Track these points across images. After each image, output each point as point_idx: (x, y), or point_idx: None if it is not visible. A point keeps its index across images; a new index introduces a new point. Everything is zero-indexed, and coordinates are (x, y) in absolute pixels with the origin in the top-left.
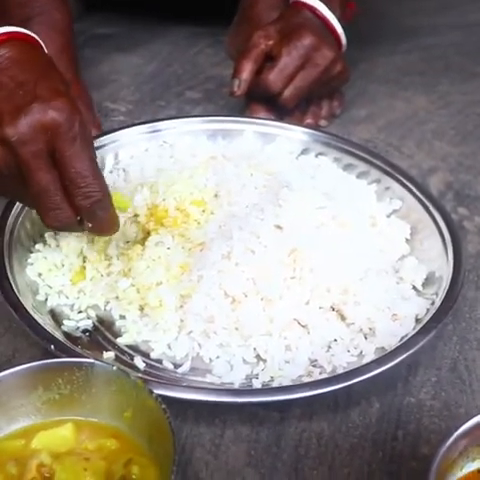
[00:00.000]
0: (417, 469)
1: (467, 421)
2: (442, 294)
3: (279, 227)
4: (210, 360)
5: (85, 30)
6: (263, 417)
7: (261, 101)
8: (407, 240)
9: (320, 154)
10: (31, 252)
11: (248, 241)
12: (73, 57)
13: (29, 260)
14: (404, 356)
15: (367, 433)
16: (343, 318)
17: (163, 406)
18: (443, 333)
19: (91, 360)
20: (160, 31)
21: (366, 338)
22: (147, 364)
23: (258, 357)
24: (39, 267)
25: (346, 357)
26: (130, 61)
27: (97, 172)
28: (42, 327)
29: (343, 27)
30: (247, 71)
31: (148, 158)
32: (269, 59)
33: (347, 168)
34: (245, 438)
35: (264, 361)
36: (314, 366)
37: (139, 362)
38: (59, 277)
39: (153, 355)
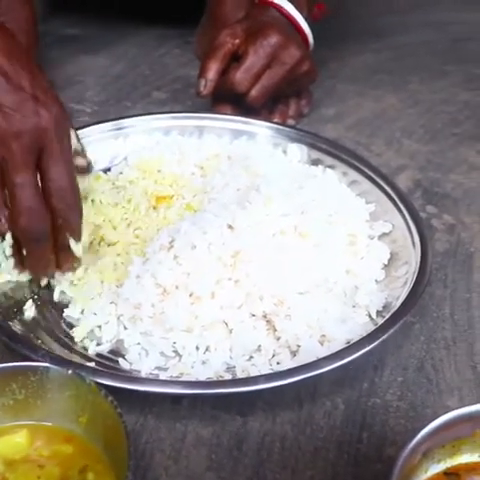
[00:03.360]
0: (382, 471)
1: (430, 422)
2: (407, 291)
3: (231, 227)
4: (129, 345)
5: (51, 31)
6: (225, 421)
7: (228, 101)
8: (384, 265)
9: (329, 167)
10: None
11: (192, 236)
12: (35, 58)
13: None
14: (368, 349)
15: (331, 435)
16: (274, 330)
17: (118, 410)
18: (410, 332)
19: (46, 364)
20: (127, 32)
21: (295, 355)
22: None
23: (176, 352)
24: None
25: (265, 370)
26: (96, 62)
27: (75, 182)
28: None
29: (311, 26)
30: (213, 71)
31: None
32: (236, 58)
33: (351, 184)
34: (206, 442)
35: (180, 356)
36: (227, 372)
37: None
38: None
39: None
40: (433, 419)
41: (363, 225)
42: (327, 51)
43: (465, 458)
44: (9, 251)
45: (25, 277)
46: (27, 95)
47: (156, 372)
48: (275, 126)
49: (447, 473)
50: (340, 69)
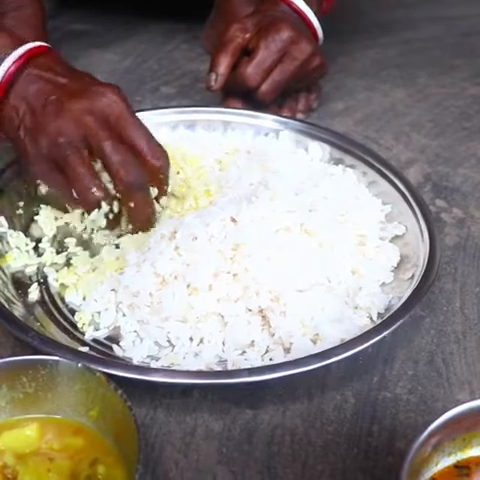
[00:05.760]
0: (393, 465)
1: (441, 415)
2: (414, 286)
3: (234, 220)
4: (126, 332)
5: (61, 27)
6: (235, 414)
7: (237, 95)
8: (394, 268)
9: (350, 166)
10: None
11: (195, 227)
12: None
13: None
14: (368, 344)
15: (342, 429)
16: (269, 326)
17: (128, 403)
18: (420, 326)
19: (56, 358)
20: (136, 28)
21: (289, 352)
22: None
23: (170, 342)
24: None
25: (257, 365)
26: (105, 57)
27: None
28: None
29: (321, 20)
30: (224, 65)
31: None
32: (246, 53)
33: (370, 185)
34: (216, 436)
35: (173, 346)
36: (218, 365)
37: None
38: None
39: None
40: (443, 412)
41: (375, 226)
42: (336, 45)
43: (476, 451)
44: (103, 222)
45: (35, 260)
46: (91, 86)
47: (148, 360)
48: (299, 123)
49: (458, 466)
50: (349, 64)
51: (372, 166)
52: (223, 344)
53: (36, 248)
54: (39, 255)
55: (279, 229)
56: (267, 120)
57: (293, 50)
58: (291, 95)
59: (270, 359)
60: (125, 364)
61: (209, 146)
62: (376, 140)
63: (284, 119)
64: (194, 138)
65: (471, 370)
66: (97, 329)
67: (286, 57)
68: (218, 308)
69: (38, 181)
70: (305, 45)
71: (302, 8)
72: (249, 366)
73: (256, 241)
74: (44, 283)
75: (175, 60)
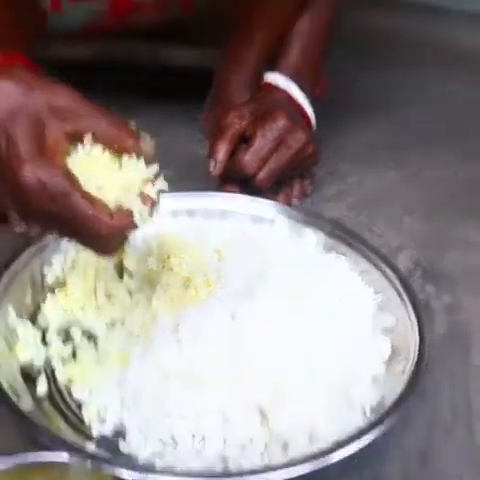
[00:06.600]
0: None
1: None
2: (405, 381)
3: (233, 317)
4: (130, 429)
5: None
6: None
7: (235, 180)
8: (384, 361)
9: (342, 254)
10: None
11: (197, 321)
12: None
13: None
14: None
15: None
16: (268, 423)
17: None
18: (409, 417)
19: (65, 459)
20: (133, 110)
21: (286, 450)
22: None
23: (173, 438)
24: None
25: (256, 463)
26: None
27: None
28: None
29: (313, 102)
30: (222, 152)
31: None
32: (242, 139)
33: (362, 273)
34: None
35: (176, 444)
36: (221, 462)
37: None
38: None
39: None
40: None
41: (367, 317)
42: (328, 129)
43: None
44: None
45: (42, 351)
46: None
47: (153, 458)
48: (294, 211)
49: None
50: (340, 147)
51: (364, 254)
52: (224, 441)
53: (43, 338)
54: (46, 345)
55: (279, 324)
56: (263, 206)
57: (289, 139)
58: (285, 182)
59: (268, 457)
60: (129, 465)
61: (207, 235)
62: (368, 226)
63: (280, 206)
64: (193, 226)
65: (461, 462)
66: (103, 423)
67: (282, 145)
68: (219, 404)
69: None
70: (300, 134)
71: (297, 97)
72: (249, 464)
73: (256, 338)
74: (52, 375)
75: (173, 142)
